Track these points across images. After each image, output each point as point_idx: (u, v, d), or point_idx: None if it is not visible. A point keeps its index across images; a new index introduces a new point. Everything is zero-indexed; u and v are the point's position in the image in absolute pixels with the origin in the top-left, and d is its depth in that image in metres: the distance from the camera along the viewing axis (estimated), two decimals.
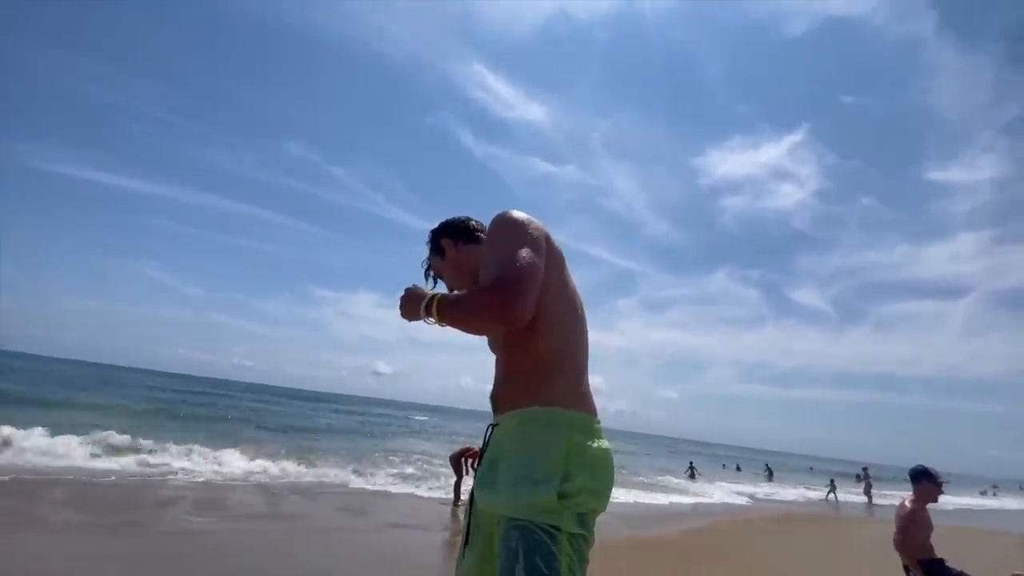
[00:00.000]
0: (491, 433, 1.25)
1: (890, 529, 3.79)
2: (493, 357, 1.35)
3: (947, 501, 25.57)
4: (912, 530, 3.68)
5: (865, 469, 24.12)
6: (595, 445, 1.12)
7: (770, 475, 31.98)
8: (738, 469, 36.60)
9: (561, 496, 1.03)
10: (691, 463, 25.79)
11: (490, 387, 1.34)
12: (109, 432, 10.28)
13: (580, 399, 1.17)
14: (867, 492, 21.41)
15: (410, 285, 1.28)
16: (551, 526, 1.01)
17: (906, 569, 3.81)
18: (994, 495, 39.74)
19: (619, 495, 12.62)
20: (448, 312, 1.12)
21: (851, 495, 22.14)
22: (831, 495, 21.04)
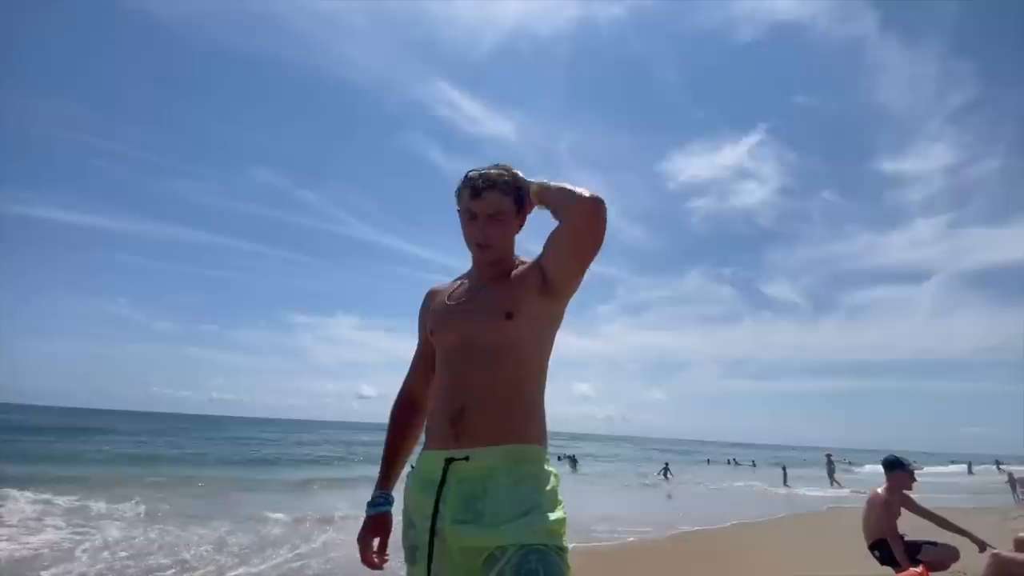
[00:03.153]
0: (449, 469, 1.19)
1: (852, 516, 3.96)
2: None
3: (934, 479, 26.17)
4: (885, 515, 4.08)
5: (829, 456, 24.89)
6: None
7: (734, 466, 32.72)
8: (728, 463, 37.25)
9: (564, 520, 1.18)
10: (666, 464, 25.93)
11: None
12: None
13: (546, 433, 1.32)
14: (831, 475, 22.36)
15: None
16: (560, 547, 1.13)
17: (871, 549, 4.20)
18: (999, 470, 40.76)
19: (605, 501, 12.52)
20: (556, 189, 1.25)
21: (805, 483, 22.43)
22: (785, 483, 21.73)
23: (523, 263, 1.37)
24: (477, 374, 1.24)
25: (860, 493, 17.41)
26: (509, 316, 1.26)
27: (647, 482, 20.48)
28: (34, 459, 16.97)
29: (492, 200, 1.28)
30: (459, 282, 1.43)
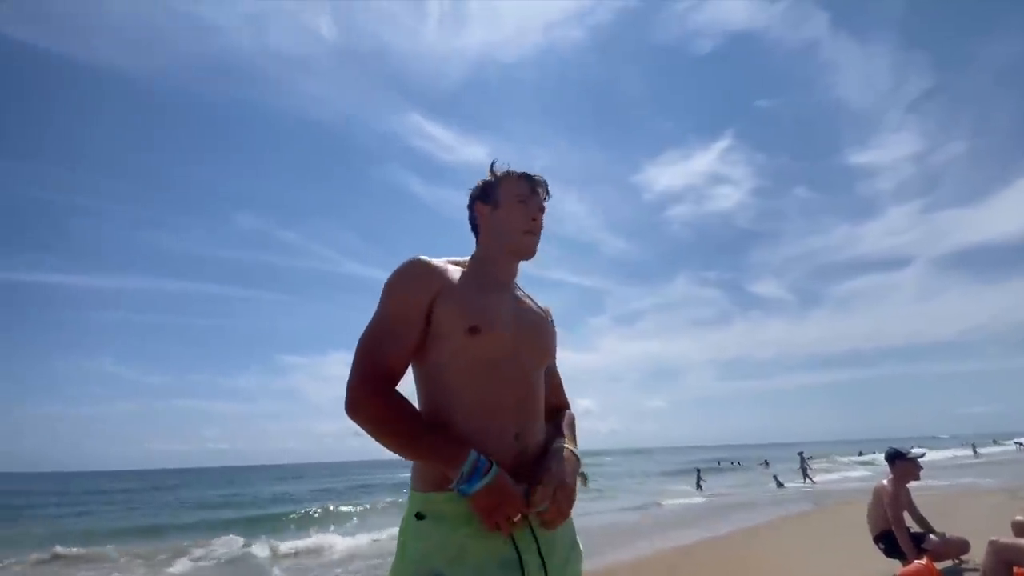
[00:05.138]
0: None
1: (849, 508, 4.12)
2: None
3: (941, 464, 26.16)
4: (891, 506, 4.11)
5: (801, 453, 24.83)
6: None
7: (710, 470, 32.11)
8: (732, 464, 37.44)
9: None
10: (698, 471, 24.52)
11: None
12: None
13: None
14: (804, 473, 22.60)
15: (568, 484, 1.12)
16: None
17: (876, 541, 4.27)
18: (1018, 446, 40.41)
19: (625, 515, 12.35)
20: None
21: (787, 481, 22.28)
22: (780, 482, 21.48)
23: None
24: (527, 396, 1.17)
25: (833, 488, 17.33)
26: (550, 355, 1.33)
27: (674, 496, 19.12)
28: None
29: (543, 196, 1.33)
30: (464, 270, 1.23)
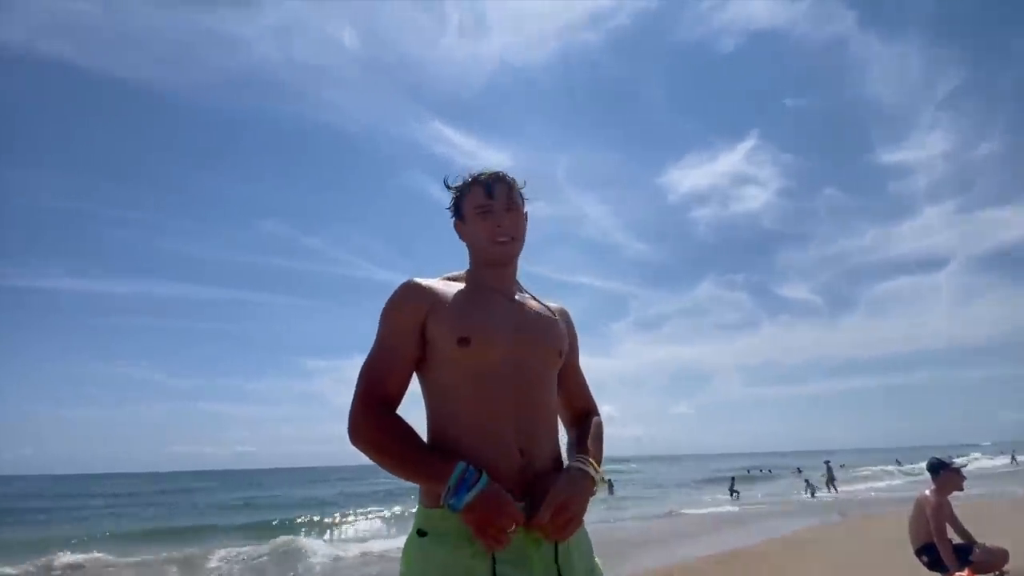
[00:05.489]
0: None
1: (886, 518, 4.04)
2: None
3: (979, 472, 25.19)
4: (934, 518, 3.99)
5: (827, 462, 24.24)
6: None
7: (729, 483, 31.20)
8: (761, 471, 36.54)
9: None
10: (732, 479, 24.12)
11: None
12: None
13: None
14: (829, 483, 22.06)
15: (576, 495, 1.06)
16: None
17: (918, 553, 4.18)
18: None
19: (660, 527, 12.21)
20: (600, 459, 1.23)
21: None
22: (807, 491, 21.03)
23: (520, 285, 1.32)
24: (531, 405, 1.13)
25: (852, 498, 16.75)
26: (561, 355, 1.24)
27: (706, 505, 18.70)
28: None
29: (503, 192, 1.21)
30: (460, 285, 1.24)
